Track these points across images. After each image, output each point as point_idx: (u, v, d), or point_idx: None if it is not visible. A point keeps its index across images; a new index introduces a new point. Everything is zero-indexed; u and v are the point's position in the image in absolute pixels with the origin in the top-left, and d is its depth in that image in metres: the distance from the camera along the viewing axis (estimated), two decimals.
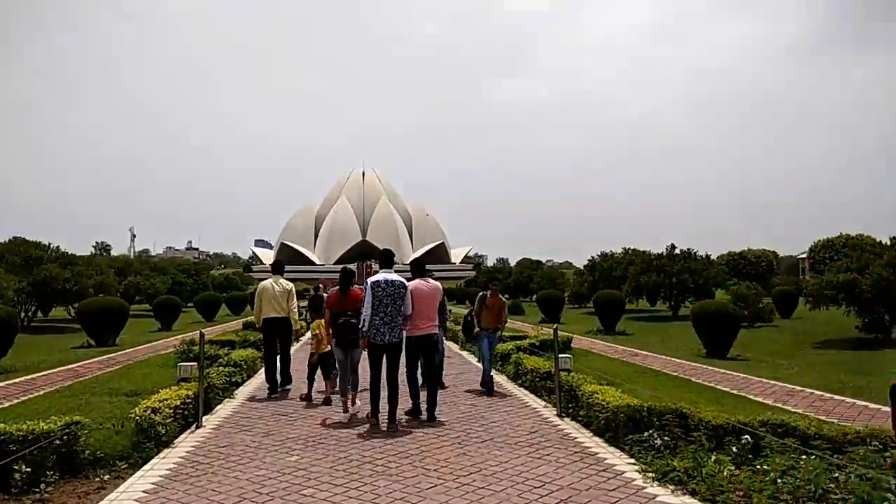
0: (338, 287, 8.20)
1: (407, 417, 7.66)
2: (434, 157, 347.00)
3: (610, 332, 21.59)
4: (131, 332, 24.64)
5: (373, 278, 7.29)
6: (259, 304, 9.64)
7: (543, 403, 8.64)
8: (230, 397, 9.18)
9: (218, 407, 8.50)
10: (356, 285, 8.42)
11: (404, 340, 7.57)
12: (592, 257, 38.30)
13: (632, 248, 36.43)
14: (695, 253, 30.93)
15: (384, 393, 7.35)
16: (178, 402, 7.08)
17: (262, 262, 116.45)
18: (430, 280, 7.97)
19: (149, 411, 6.49)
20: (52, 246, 28.17)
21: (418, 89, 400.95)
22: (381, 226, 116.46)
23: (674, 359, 13.85)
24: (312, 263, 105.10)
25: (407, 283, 7.47)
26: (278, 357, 9.71)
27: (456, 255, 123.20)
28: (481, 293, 10.35)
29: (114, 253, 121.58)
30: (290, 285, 9.78)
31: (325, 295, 10.86)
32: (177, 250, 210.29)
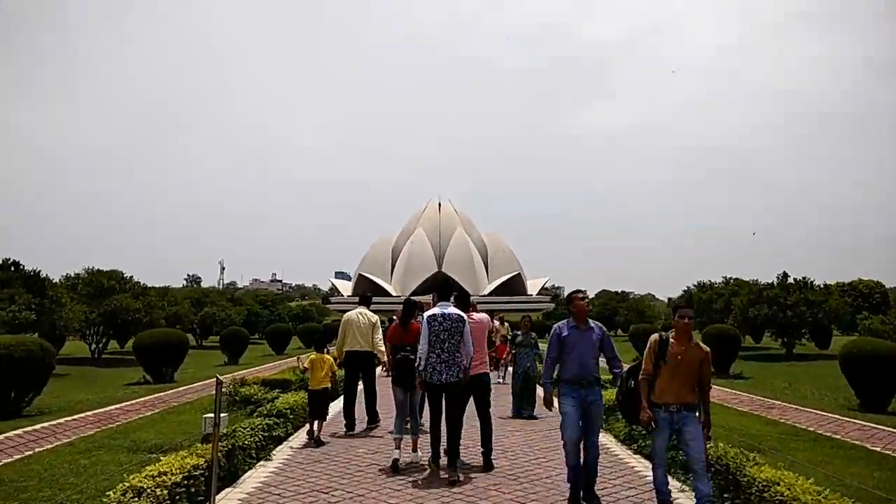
0: (398, 320, 7.75)
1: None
2: (509, 189, 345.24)
3: (723, 374, 18.53)
4: (198, 366, 23.69)
5: (429, 312, 6.76)
6: (342, 336, 9.30)
7: (679, 485, 6.22)
8: (266, 459, 7.27)
9: (246, 476, 6.59)
10: (357, 311, 8.61)
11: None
12: (688, 287, 34.93)
13: (733, 277, 32.92)
14: (811, 283, 27.15)
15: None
16: (182, 476, 5.21)
17: (340, 294, 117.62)
18: (476, 314, 7.72)
19: (129, 495, 4.61)
20: (125, 276, 27.81)
21: (494, 120, 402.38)
22: (456, 256, 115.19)
23: (821, 412, 11.00)
24: (389, 295, 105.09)
25: (464, 317, 6.80)
26: (360, 391, 9.35)
27: (533, 287, 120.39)
28: (656, 335, 5.32)
29: (204, 285, 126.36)
30: (376, 318, 9.43)
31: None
32: (262, 282, 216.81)
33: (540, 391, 6.61)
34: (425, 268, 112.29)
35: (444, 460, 6.62)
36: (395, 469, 6.70)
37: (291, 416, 8.92)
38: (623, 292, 58.11)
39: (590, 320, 5.70)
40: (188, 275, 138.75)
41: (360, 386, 9.57)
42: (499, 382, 14.53)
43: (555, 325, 5.76)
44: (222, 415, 7.62)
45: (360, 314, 9.29)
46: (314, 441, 8.14)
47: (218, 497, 5.72)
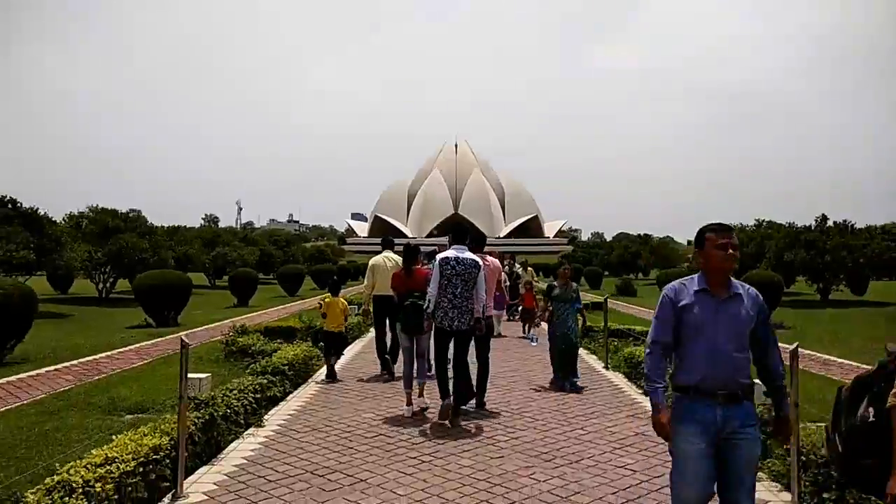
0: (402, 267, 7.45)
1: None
2: (529, 128, 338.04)
3: None
4: (208, 307, 22.92)
5: (442, 255, 6.54)
6: (371, 281, 8.97)
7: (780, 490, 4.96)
8: (257, 425, 6.24)
9: (230, 449, 5.55)
10: (426, 264, 8.23)
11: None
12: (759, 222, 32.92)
13: (765, 219, 31.20)
14: (852, 226, 25.45)
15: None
16: (136, 463, 4.13)
17: (356, 235, 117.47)
18: (489, 257, 7.85)
19: (58, 495, 3.53)
20: (132, 214, 26.85)
21: (515, 59, 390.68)
22: (473, 199, 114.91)
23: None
24: (405, 236, 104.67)
25: (480, 263, 6.59)
26: (388, 337, 9.03)
27: (550, 229, 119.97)
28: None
29: (221, 225, 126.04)
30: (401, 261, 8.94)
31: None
32: (279, 222, 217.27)
33: (592, 360, 5.37)
34: (441, 210, 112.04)
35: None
36: (414, 414, 6.67)
37: (291, 374, 7.87)
38: (645, 234, 56.22)
39: (736, 282, 3.05)
40: (205, 215, 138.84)
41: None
42: (530, 342, 12.71)
43: (667, 287, 3.16)
44: (202, 376, 6.68)
45: (387, 258, 8.96)
46: (330, 377, 8.54)
47: (188, 480, 4.69)
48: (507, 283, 14.06)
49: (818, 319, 19.21)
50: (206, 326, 15.29)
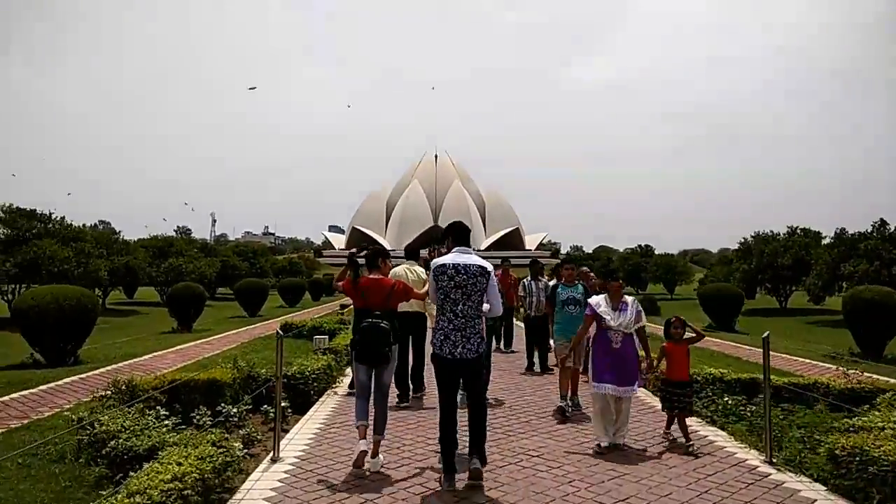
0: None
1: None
2: (507, 142, 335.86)
3: (873, 354, 13.15)
4: (140, 330, 18.33)
5: (439, 260, 4.96)
6: None
7: None
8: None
9: None
10: (405, 266, 7.75)
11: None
12: (744, 239, 29.45)
13: (798, 226, 27.48)
14: None
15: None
16: None
17: (333, 247, 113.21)
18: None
19: None
20: (54, 217, 22.15)
21: (492, 74, 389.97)
22: (453, 210, 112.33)
23: None
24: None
25: (489, 269, 4.93)
26: (411, 358, 7.81)
27: (531, 242, 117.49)
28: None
29: (195, 237, 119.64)
30: (426, 274, 7.37)
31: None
32: (254, 235, 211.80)
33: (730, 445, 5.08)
34: (420, 221, 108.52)
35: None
36: (359, 466, 5.01)
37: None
38: (646, 245, 52.53)
39: None
40: (178, 226, 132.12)
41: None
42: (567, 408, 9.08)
43: None
44: None
45: (410, 270, 7.91)
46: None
47: None
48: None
49: None
50: (100, 370, 10.65)
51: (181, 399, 6.87)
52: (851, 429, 5.12)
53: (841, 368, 7.58)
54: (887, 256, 19.95)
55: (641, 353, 6.08)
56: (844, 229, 23.62)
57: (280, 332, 5.57)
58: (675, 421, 6.02)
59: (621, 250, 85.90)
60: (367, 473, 4.96)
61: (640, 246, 53.91)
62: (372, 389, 5.37)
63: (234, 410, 6.54)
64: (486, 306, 4.93)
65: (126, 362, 11.30)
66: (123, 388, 6.62)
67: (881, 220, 21.96)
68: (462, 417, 4.93)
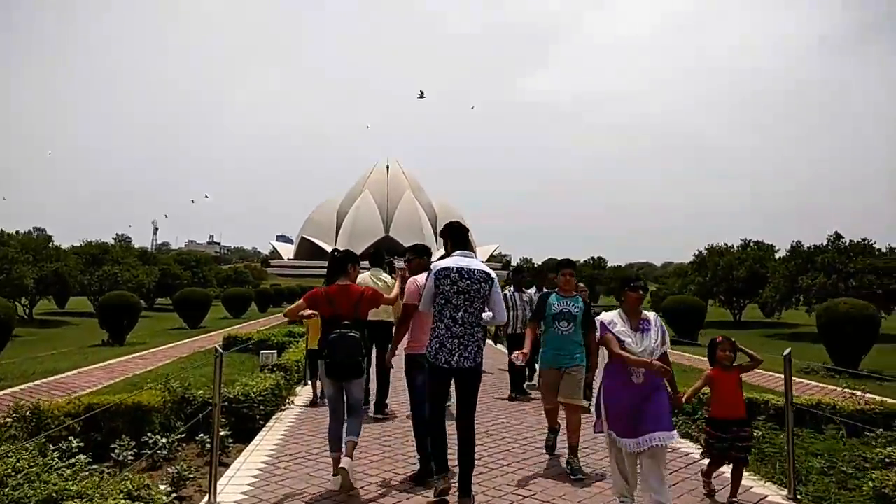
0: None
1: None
2: (457, 155, 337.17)
3: (848, 368, 12.76)
4: (62, 343, 16.77)
5: (441, 263, 4.71)
6: None
7: None
8: None
9: None
10: (370, 273, 7.43)
11: (407, 360, 5.35)
12: (699, 251, 29.51)
13: (752, 239, 27.66)
14: (871, 244, 21.95)
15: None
16: None
17: (281, 257, 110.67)
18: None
19: None
20: None
21: (443, 84, 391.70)
22: (405, 221, 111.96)
23: None
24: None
25: (493, 275, 4.72)
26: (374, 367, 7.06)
27: (482, 253, 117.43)
28: None
29: (135, 245, 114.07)
30: (393, 281, 6.90)
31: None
32: (198, 244, 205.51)
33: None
34: (371, 232, 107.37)
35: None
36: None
37: None
38: (599, 258, 52.55)
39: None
40: (116, 234, 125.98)
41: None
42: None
43: None
44: None
45: (376, 278, 7.51)
46: (317, 401, 7.79)
47: None
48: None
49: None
50: (11, 389, 9.24)
51: (100, 428, 5.81)
52: (888, 460, 4.48)
53: (849, 389, 6.99)
54: (844, 269, 20.09)
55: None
56: (800, 242, 23.95)
57: (219, 348, 4.60)
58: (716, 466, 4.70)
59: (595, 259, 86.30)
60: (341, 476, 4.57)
61: (592, 258, 54.14)
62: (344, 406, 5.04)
63: (164, 441, 5.54)
64: (486, 314, 4.66)
65: (44, 380, 10.04)
66: (27, 414, 5.50)
67: (836, 233, 22.40)
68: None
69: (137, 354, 13.46)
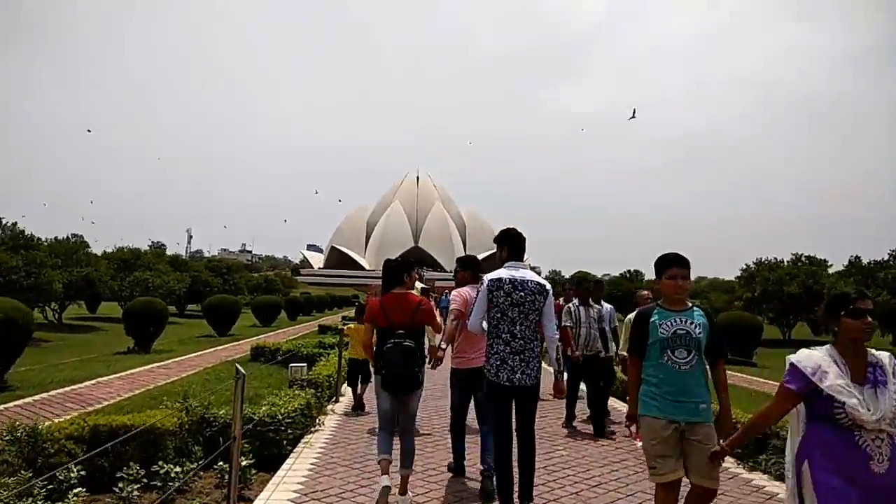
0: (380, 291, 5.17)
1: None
2: (486, 168, 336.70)
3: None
4: (97, 349, 16.33)
5: (493, 274, 4.51)
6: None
7: None
8: None
9: None
10: (422, 287, 7.87)
11: (452, 374, 5.33)
12: (747, 265, 28.14)
13: (803, 253, 26.29)
14: None
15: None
16: None
17: (311, 266, 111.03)
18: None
19: None
20: (4, 223, 20.13)
21: (470, 99, 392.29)
22: (434, 232, 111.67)
23: None
24: (362, 269, 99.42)
25: (548, 287, 4.56)
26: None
27: None
28: None
29: (169, 253, 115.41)
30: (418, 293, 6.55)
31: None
32: (231, 252, 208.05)
33: None
34: (401, 242, 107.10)
35: None
36: None
37: None
38: (635, 271, 51.10)
39: None
40: (151, 241, 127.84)
41: None
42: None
43: None
44: None
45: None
46: (358, 408, 7.87)
47: None
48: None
49: None
50: (23, 401, 8.60)
51: (108, 452, 5.09)
52: None
53: None
54: None
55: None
56: (859, 257, 22.59)
57: (240, 368, 3.84)
58: None
59: (599, 275, 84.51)
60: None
61: (628, 271, 52.58)
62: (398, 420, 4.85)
63: (178, 471, 4.79)
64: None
65: (60, 390, 9.45)
66: (22, 435, 4.81)
67: None
68: None
69: (161, 364, 12.86)
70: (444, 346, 4.97)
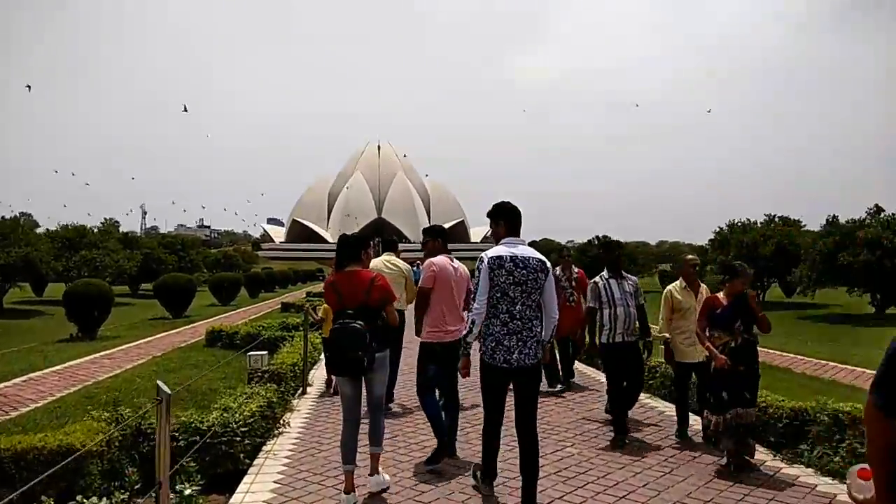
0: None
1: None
2: (449, 134, 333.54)
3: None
4: (28, 339, 14.93)
5: (493, 251, 4.27)
6: None
7: None
8: None
9: None
10: (383, 258, 6.84)
11: (422, 348, 5.32)
12: (720, 228, 27.78)
13: (776, 214, 25.97)
14: None
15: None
16: None
17: (273, 240, 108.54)
18: (456, 261, 5.57)
19: None
20: None
21: (433, 63, 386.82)
22: (397, 202, 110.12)
23: None
24: (326, 241, 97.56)
25: (548, 264, 4.35)
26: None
27: (476, 235, 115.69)
28: None
29: (123, 230, 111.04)
30: (407, 266, 7.00)
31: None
32: (188, 228, 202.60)
33: None
34: (364, 213, 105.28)
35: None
36: None
37: None
38: (605, 236, 50.67)
39: None
40: (105, 218, 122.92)
41: None
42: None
43: None
44: None
45: (388, 263, 6.79)
46: (332, 390, 7.46)
47: None
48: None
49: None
50: None
51: (13, 480, 4.04)
52: None
53: None
54: (891, 245, 18.37)
55: None
56: (836, 216, 22.32)
57: (163, 386, 2.79)
58: None
59: (564, 242, 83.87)
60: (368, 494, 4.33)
61: (597, 237, 52.25)
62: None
63: (105, 503, 3.76)
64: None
65: None
66: None
67: (876, 206, 20.62)
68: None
69: (106, 353, 11.62)
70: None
